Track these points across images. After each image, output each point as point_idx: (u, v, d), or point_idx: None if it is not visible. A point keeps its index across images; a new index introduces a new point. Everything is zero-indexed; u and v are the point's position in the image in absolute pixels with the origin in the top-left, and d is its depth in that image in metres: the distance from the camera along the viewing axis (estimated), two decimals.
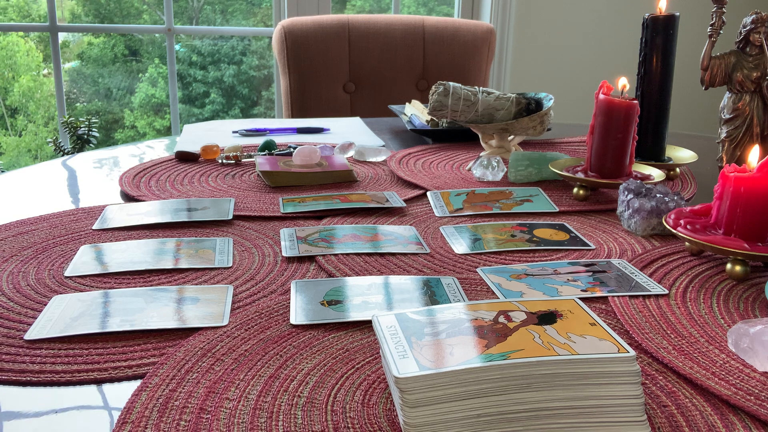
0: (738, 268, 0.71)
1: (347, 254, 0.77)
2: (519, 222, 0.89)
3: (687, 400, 0.51)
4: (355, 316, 0.62)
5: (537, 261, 0.77)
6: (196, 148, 1.21)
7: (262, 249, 0.79)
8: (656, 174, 1.01)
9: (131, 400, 0.50)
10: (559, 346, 0.46)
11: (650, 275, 0.72)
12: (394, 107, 1.57)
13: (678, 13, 1.09)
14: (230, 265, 0.74)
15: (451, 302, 0.64)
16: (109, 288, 0.68)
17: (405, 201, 0.96)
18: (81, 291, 0.67)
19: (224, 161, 1.14)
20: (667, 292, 0.68)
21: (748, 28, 1.03)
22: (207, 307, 0.64)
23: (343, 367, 0.54)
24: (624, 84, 1.00)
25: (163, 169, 1.11)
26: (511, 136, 1.20)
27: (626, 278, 0.71)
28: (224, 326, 0.60)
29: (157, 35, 4.29)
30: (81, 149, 2.46)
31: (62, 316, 0.62)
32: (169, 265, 0.73)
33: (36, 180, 1.08)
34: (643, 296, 0.67)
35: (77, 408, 0.50)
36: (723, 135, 1.07)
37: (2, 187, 1.03)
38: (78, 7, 4.36)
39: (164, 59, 4.21)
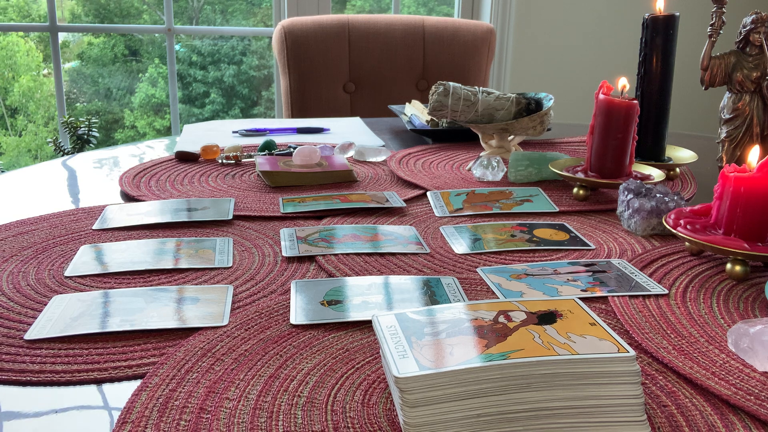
0: (738, 268, 0.71)
1: (347, 254, 0.77)
2: (519, 222, 0.89)
3: (687, 400, 0.51)
4: (355, 316, 0.62)
5: (537, 261, 0.77)
6: (196, 148, 1.21)
7: (262, 249, 0.79)
8: (656, 174, 1.01)
9: (131, 400, 0.50)
10: (559, 346, 0.46)
11: (650, 275, 0.72)
12: (394, 107, 1.57)
13: (678, 13, 1.09)
14: (230, 265, 0.74)
15: (451, 302, 0.64)
16: (109, 288, 0.68)
17: (405, 201, 0.96)
18: (81, 291, 0.67)
19: (224, 161, 1.14)
20: (667, 292, 0.68)
21: (748, 28, 1.03)
22: (207, 307, 0.64)
23: (343, 367, 0.54)
24: (624, 84, 1.00)
25: (163, 169, 1.11)
26: (511, 136, 1.20)
27: (626, 278, 0.71)
28: (224, 326, 0.60)
29: (157, 35, 4.29)
30: (81, 149, 2.46)
31: (62, 316, 0.62)
32: (169, 265, 0.73)
33: (36, 180, 1.08)
34: (643, 296, 0.67)
35: (77, 408, 0.50)
36: (723, 135, 1.07)
37: (2, 187, 1.03)
38: (78, 7, 4.36)
39: (164, 59, 4.21)
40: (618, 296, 0.67)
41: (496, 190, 1.02)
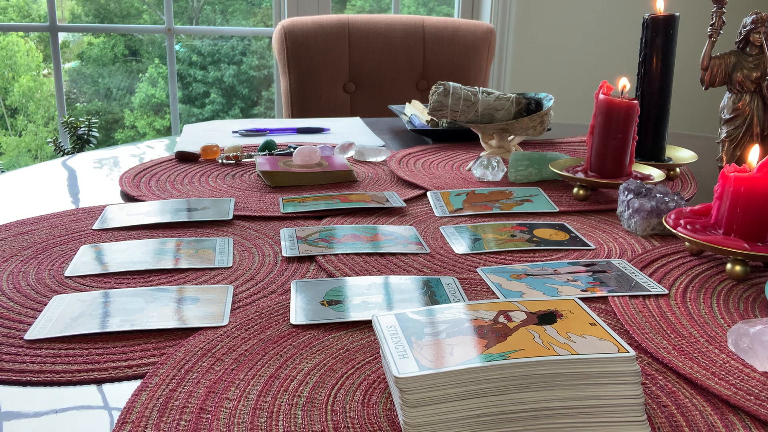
0: (738, 268, 0.71)
1: (347, 254, 0.77)
2: (519, 222, 0.89)
3: (687, 400, 0.51)
4: (355, 316, 0.62)
5: (537, 261, 0.77)
6: (196, 148, 1.21)
7: (262, 249, 0.79)
8: (656, 174, 1.01)
9: (131, 400, 0.50)
10: (559, 346, 0.46)
11: (650, 275, 0.72)
12: (394, 107, 1.57)
13: (678, 13, 1.09)
14: (230, 265, 0.74)
15: (451, 302, 0.64)
16: (109, 288, 0.68)
17: (405, 201, 0.96)
18: (81, 291, 0.67)
19: (224, 161, 1.14)
20: (667, 292, 0.68)
21: (748, 28, 1.03)
22: (207, 307, 0.64)
23: (343, 367, 0.54)
24: (624, 84, 1.00)
25: (163, 169, 1.11)
26: (511, 136, 1.20)
27: (626, 278, 0.71)
28: (224, 326, 0.60)
29: (157, 35, 4.29)
30: (81, 149, 2.46)
31: (62, 316, 0.62)
32: (169, 265, 0.73)
33: (36, 180, 1.08)
34: (643, 296, 0.67)
35: (77, 408, 0.50)
36: (723, 135, 1.07)
37: (2, 187, 1.03)
38: (78, 7, 4.36)
39: (164, 59, 4.21)
40: (618, 296, 0.67)
41: (496, 190, 1.02)
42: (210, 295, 0.66)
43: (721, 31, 1.04)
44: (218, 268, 0.73)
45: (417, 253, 0.78)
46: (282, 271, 0.73)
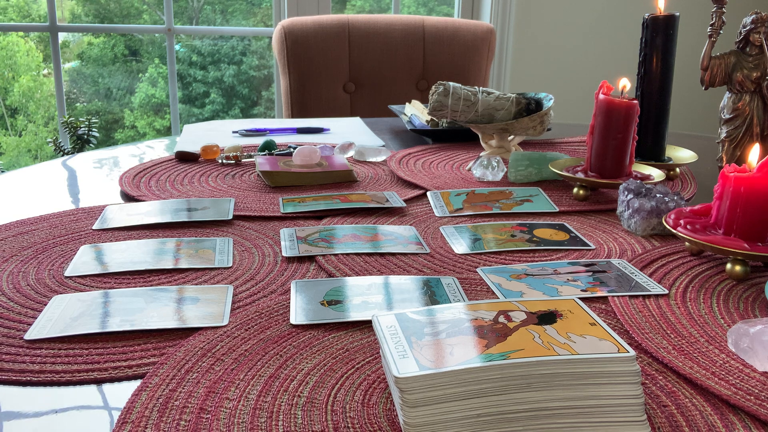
0: (738, 268, 0.71)
1: (347, 254, 0.77)
2: (519, 222, 0.89)
3: (687, 400, 0.51)
4: (355, 316, 0.62)
5: (537, 261, 0.77)
6: (196, 148, 1.21)
7: (262, 249, 0.79)
8: (656, 174, 1.01)
9: (131, 400, 0.50)
10: (559, 346, 0.46)
11: (650, 275, 0.72)
12: (394, 107, 1.57)
13: (678, 13, 1.09)
14: (230, 265, 0.74)
15: (451, 302, 0.64)
16: (109, 288, 0.68)
17: (405, 201, 0.96)
18: (81, 291, 0.67)
19: (224, 161, 1.14)
20: (667, 292, 0.68)
21: (748, 28, 1.03)
22: (207, 307, 0.64)
23: (343, 367, 0.54)
24: (624, 84, 1.00)
25: (163, 169, 1.11)
26: (511, 136, 1.20)
27: (626, 278, 0.71)
28: (224, 326, 0.60)
29: (157, 35, 4.29)
30: (81, 149, 2.46)
31: (62, 316, 0.62)
32: (169, 265, 0.73)
33: (36, 180, 1.08)
34: (643, 296, 0.67)
35: (77, 408, 0.50)
36: (723, 135, 1.07)
37: (2, 187, 1.03)
38: (78, 7, 4.36)
39: (164, 59, 4.21)
40: (618, 296, 0.67)
41: (496, 190, 1.02)
42: (210, 295, 0.67)
43: (721, 31, 1.04)
44: (218, 268, 0.73)
45: (417, 253, 0.78)
46: (282, 271, 0.73)
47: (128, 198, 0.98)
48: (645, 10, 1.19)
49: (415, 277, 0.71)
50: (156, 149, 1.29)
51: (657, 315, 0.63)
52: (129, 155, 1.23)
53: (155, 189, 1.01)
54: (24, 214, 0.89)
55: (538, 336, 0.48)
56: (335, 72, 1.97)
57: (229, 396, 0.50)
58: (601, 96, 0.97)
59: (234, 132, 1.40)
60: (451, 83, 1.18)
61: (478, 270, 0.74)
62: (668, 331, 0.60)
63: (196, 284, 0.70)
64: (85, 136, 2.47)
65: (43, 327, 0.60)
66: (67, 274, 0.71)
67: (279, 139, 1.34)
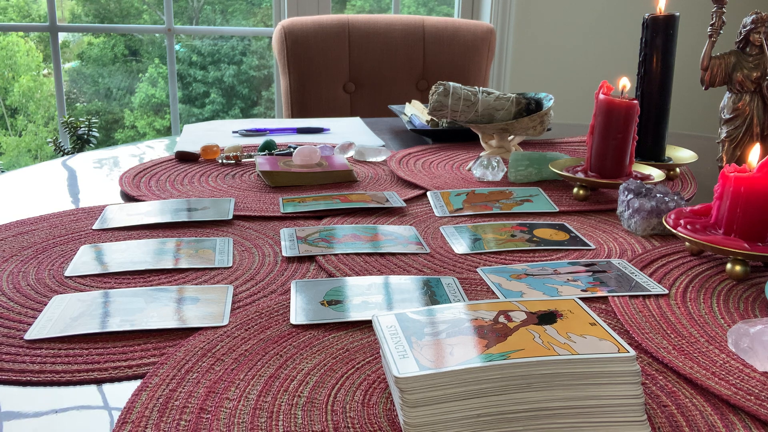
0: (738, 268, 0.71)
1: (347, 254, 0.77)
2: (519, 222, 0.89)
3: (687, 400, 0.51)
4: (355, 316, 0.62)
5: (537, 261, 0.77)
6: (196, 148, 1.21)
7: (262, 249, 0.79)
8: (656, 174, 1.01)
9: (131, 400, 0.50)
10: (559, 346, 0.46)
11: (650, 275, 0.72)
12: (394, 107, 1.57)
13: (678, 13, 1.09)
14: (230, 265, 0.74)
15: (451, 302, 0.64)
16: (109, 288, 0.68)
17: (405, 201, 0.96)
18: (81, 291, 0.67)
19: (224, 161, 1.14)
20: (667, 292, 0.68)
21: (748, 28, 1.03)
22: (207, 307, 0.64)
23: (343, 367, 0.54)
24: (624, 84, 1.00)
25: (163, 169, 1.11)
26: (511, 136, 1.20)
27: (626, 278, 0.71)
28: (224, 326, 0.60)
29: (157, 35, 4.29)
30: (81, 149, 2.46)
31: (62, 316, 0.62)
32: (169, 265, 0.73)
33: (36, 180, 1.08)
34: (643, 296, 0.67)
35: (77, 408, 0.50)
36: (723, 135, 1.07)
37: (2, 187, 1.03)
38: (78, 7, 4.36)
39: (164, 59, 4.21)
40: (618, 296, 0.66)
41: (496, 190, 1.02)
42: (210, 295, 0.66)
43: (721, 31, 1.04)
44: (218, 268, 0.73)
45: (417, 253, 0.78)
46: (282, 271, 0.73)
47: (128, 198, 0.98)
48: (645, 10, 1.19)
49: (415, 277, 0.71)
50: (156, 149, 1.29)
51: (657, 315, 0.63)
52: (129, 155, 1.23)
53: (155, 189, 1.01)
54: (24, 214, 0.89)
55: (538, 336, 0.48)
56: (335, 72, 1.97)
57: (229, 396, 0.50)
58: (601, 96, 0.97)
59: (234, 132, 1.40)
60: (451, 83, 1.18)
61: (478, 270, 0.74)
62: (668, 331, 0.60)
63: (196, 284, 0.70)
64: (85, 136, 2.47)
65: (43, 327, 0.60)
66: (67, 274, 0.71)
67: (279, 139, 1.34)
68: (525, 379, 0.44)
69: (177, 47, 4.27)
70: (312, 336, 0.59)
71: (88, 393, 0.52)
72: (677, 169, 1.12)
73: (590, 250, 0.81)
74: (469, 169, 1.13)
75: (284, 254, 0.77)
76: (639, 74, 1.11)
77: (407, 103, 1.52)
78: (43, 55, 4.37)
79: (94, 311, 0.62)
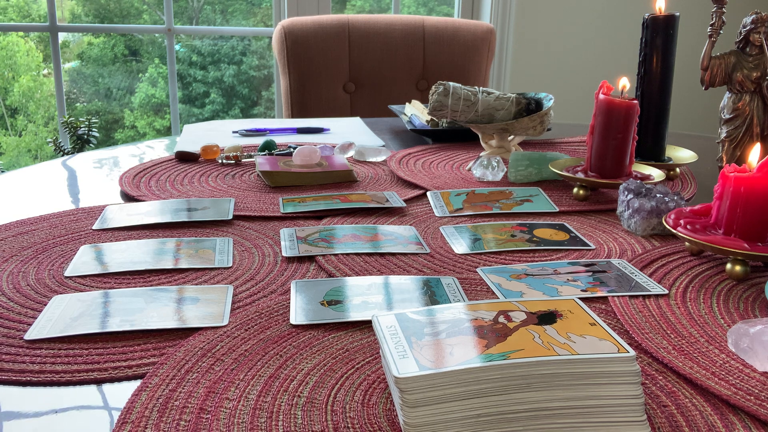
0: (738, 268, 0.71)
1: (347, 254, 0.77)
2: (519, 222, 0.89)
3: (687, 400, 0.51)
4: (355, 316, 0.62)
5: (537, 261, 0.77)
6: (196, 148, 1.21)
7: (262, 249, 0.79)
8: (656, 174, 1.01)
9: (131, 400, 0.50)
10: (559, 346, 0.46)
11: (650, 275, 0.72)
12: (394, 107, 1.57)
13: (678, 13, 1.09)
14: (230, 265, 0.74)
15: (451, 302, 0.64)
16: (109, 288, 0.68)
17: (405, 201, 0.96)
18: (81, 291, 0.67)
19: (224, 161, 1.14)
20: (667, 292, 0.68)
21: (748, 28, 1.03)
22: (207, 307, 0.64)
23: (343, 367, 0.54)
24: (624, 84, 1.00)
25: (163, 169, 1.11)
26: (511, 136, 1.20)
27: (626, 278, 0.71)
28: (224, 326, 0.60)
29: (157, 35, 4.29)
30: (81, 149, 2.46)
31: (62, 316, 0.62)
32: (169, 265, 0.73)
33: (36, 180, 1.08)
34: (643, 296, 0.67)
35: (77, 408, 0.50)
36: (723, 135, 1.07)
37: (2, 187, 1.03)
38: (78, 7, 4.36)
39: (164, 59, 4.22)
40: (618, 296, 0.66)
41: (496, 190, 1.02)
42: (210, 295, 0.66)
43: (721, 31, 1.04)
44: (218, 268, 0.73)
45: (417, 253, 0.78)
46: (282, 271, 0.73)
47: (128, 198, 0.98)
48: (645, 10, 1.19)
49: (415, 277, 0.71)
50: (156, 149, 1.29)
51: (657, 315, 0.63)
52: (129, 155, 1.23)
53: (155, 189, 1.01)
54: (24, 214, 0.89)
55: (538, 336, 0.48)
56: (335, 72, 1.97)
57: (229, 396, 0.50)
58: (601, 96, 0.97)
59: (234, 132, 1.40)
60: (451, 83, 1.18)
61: (478, 270, 0.74)
62: (668, 331, 0.60)
63: (196, 284, 0.70)
64: (85, 136, 2.47)
65: (43, 327, 0.60)
66: (67, 274, 0.71)
67: (279, 139, 1.34)
68: (525, 379, 0.44)
69: (177, 47, 4.27)
70: (312, 336, 0.59)
71: (88, 393, 0.52)
72: (677, 169, 1.12)
73: (590, 250, 0.81)
74: (469, 169, 1.13)
75: (284, 254, 0.77)
76: (639, 74, 1.11)
77: (407, 103, 1.52)
78: (43, 55, 4.37)
79: (94, 311, 0.62)
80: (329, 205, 0.92)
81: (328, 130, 1.44)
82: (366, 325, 0.61)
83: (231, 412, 0.49)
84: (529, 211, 0.94)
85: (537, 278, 0.71)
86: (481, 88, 1.20)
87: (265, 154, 1.17)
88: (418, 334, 0.48)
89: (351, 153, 1.21)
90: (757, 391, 0.51)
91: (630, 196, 0.87)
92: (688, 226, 0.76)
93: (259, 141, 1.31)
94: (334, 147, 1.22)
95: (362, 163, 1.18)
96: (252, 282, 0.70)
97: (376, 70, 1.99)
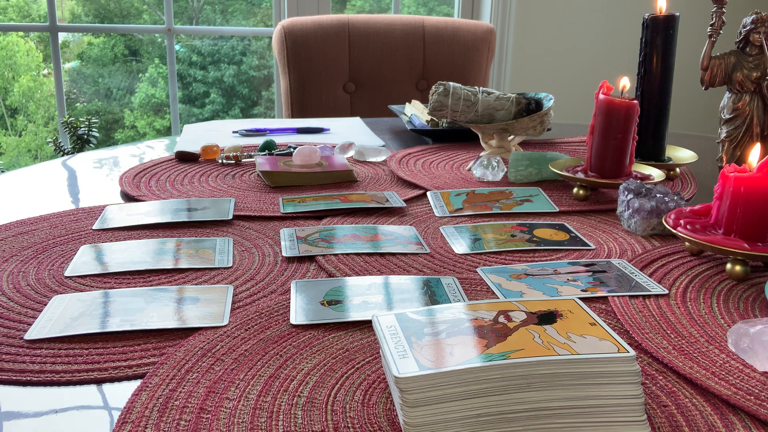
0: (738, 268, 0.71)
1: (347, 254, 0.77)
2: (519, 222, 0.89)
3: (687, 400, 0.51)
4: (355, 316, 0.62)
5: (537, 261, 0.77)
6: (196, 148, 1.21)
7: (262, 249, 0.79)
8: (656, 174, 1.01)
9: (131, 400, 0.50)
10: (559, 346, 0.46)
11: (650, 275, 0.72)
12: (394, 107, 1.57)
13: (678, 13, 1.09)
14: (230, 265, 0.74)
15: (451, 302, 0.64)
16: (109, 288, 0.68)
17: (405, 201, 0.96)
18: (81, 291, 0.67)
19: (224, 161, 1.14)
20: (667, 292, 0.68)
21: (748, 28, 1.03)
22: (207, 307, 0.64)
23: (343, 367, 0.54)
24: (624, 84, 1.00)
25: (163, 169, 1.11)
26: (511, 136, 1.20)
27: (626, 278, 0.71)
28: (224, 326, 0.60)
29: (157, 35, 4.29)
30: (81, 149, 2.46)
31: (62, 316, 0.62)
32: (169, 265, 0.73)
33: (36, 180, 1.08)
34: (643, 296, 0.67)
35: (77, 408, 0.50)
36: (723, 135, 1.07)
37: (2, 187, 1.03)
38: (78, 7, 4.36)
39: (164, 59, 4.22)
40: (618, 296, 0.66)
41: (496, 190, 1.02)
42: (210, 295, 0.67)
43: (721, 31, 1.04)
44: (218, 268, 0.73)
45: (417, 253, 0.78)
46: (282, 271, 0.73)
47: (128, 198, 0.98)
48: (645, 10, 1.19)
49: (415, 277, 0.71)
50: (156, 149, 1.29)
51: (657, 315, 0.63)
52: (129, 155, 1.23)
53: (155, 189, 1.01)
54: (24, 214, 0.89)
55: (538, 336, 0.48)
56: (335, 72, 1.97)
57: (229, 396, 0.50)
58: (601, 96, 0.97)
59: (234, 132, 1.40)
60: (451, 83, 1.18)
61: (478, 270, 0.74)
62: (668, 331, 0.60)
63: (196, 284, 0.70)
64: (85, 136, 2.47)
65: (43, 327, 0.60)
66: (67, 274, 0.71)
67: (279, 139, 1.34)
68: (525, 379, 0.44)
69: (177, 47, 4.27)
70: (312, 336, 0.59)
71: (88, 393, 0.52)
72: (677, 169, 1.12)
73: (590, 250, 0.81)
74: (469, 169, 1.13)
75: (284, 254, 0.77)
76: (639, 74, 1.11)
77: (407, 103, 1.52)
78: (43, 55, 4.37)
79: (94, 311, 0.62)
80: (329, 205, 0.92)
81: (328, 130, 1.44)
82: (366, 325, 0.61)
83: (231, 412, 0.49)
84: (529, 211, 0.94)
85: (537, 278, 0.71)
86: (481, 88, 1.20)
87: (265, 154, 1.17)
88: (418, 334, 0.48)
89: (351, 153, 1.21)
90: (757, 391, 0.51)
91: (630, 196, 0.87)
92: (688, 226, 0.76)
93: (259, 141, 1.31)
94: (334, 147, 1.22)
95: (362, 163, 1.18)
96: (252, 282, 0.70)
97: (376, 70, 1.99)
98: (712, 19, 1.03)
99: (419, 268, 0.75)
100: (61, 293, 0.67)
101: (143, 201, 0.95)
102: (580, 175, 0.99)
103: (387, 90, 2.00)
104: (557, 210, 0.94)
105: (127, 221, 0.87)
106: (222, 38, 4.38)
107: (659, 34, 1.08)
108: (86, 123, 2.49)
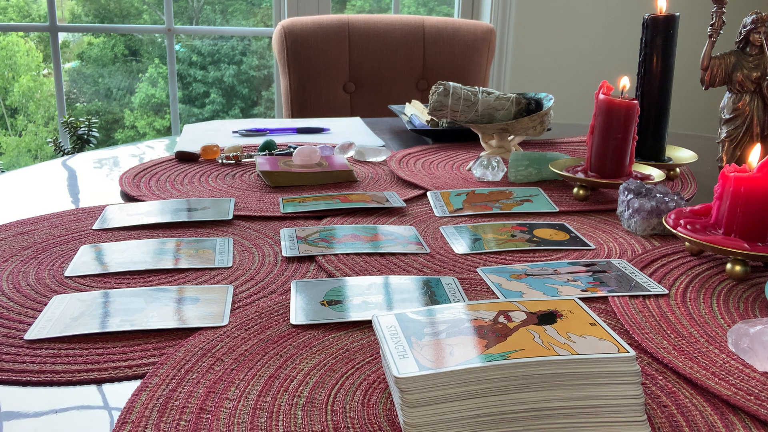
0: (738, 268, 0.71)
1: (347, 254, 0.77)
2: (519, 222, 0.89)
3: (687, 400, 0.51)
4: (355, 316, 0.62)
5: (537, 261, 0.77)
6: (196, 148, 1.21)
7: (262, 249, 0.79)
8: (656, 174, 1.01)
9: (131, 400, 0.50)
10: (559, 346, 0.46)
11: (650, 275, 0.72)
12: (394, 107, 1.57)
13: (678, 13, 1.09)
14: (230, 265, 0.74)
15: (451, 302, 0.64)
16: (109, 288, 0.68)
17: (405, 201, 0.96)
18: (81, 291, 0.67)
19: (224, 161, 1.14)
20: (667, 292, 0.68)
21: (748, 28, 1.03)
22: (207, 307, 0.64)
23: (343, 367, 0.54)
24: (624, 84, 1.00)
25: (163, 169, 1.11)
26: (511, 136, 1.20)
27: (626, 278, 0.71)
28: (224, 326, 0.60)
29: (157, 35, 4.29)
30: (81, 149, 2.46)
31: (62, 316, 0.62)
32: (169, 265, 0.73)
33: (36, 180, 1.08)
34: (643, 296, 0.67)
35: (77, 408, 0.50)
36: (723, 135, 1.07)
37: (2, 187, 1.03)
38: (78, 7, 4.36)
39: (164, 59, 4.22)
40: (618, 296, 0.66)
41: (496, 190, 1.02)
42: (210, 295, 0.66)
43: (721, 31, 1.04)
44: (218, 268, 0.73)
45: (417, 253, 0.78)
46: (282, 271, 0.73)
47: (128, 198, 0.98)
48: (645, 10, 1.19)
49: (415, 277, 0.71)
50: (156, 149, 1.29)
51: (657, 315, 0.63)
52: (129, 155, 1.23)
53: (155, 189, 1.01)
54: (24, 214, 0.89)
55: (538, 336, 0.48)
56: (335, 72, 1.97)
57: (229, 396, 0.50)
58: (601, 96, 0.97)
59: (234, 132, 1.40)
60: (451, 83, 1.18)
61: (478, 270, 0.74)
62: (668, 331, 0.60)
63: (196, 284, 0.70)
64: (85, 136, 2.47)
65: (43, 327, 0.60)
66: (67, 274, 0.71)
67: (279, 139, 1.34)
68: (525, 379, 0.44)
69: (177, 47, 4.27)
70: (312, 336, 0.59)
71: (88, 393, 0.52)
72: (677, 169, 1.12)
73: (590, 250, 0.81)
74: (469, 169, 1.13)
75: (284, 254, 0.77)
76: (639, 74, 1.11)
77: (407, 103, 1.52)
78: (43, 55, 4.37)
79: (94, 311, 0.62)
80: (329, 205, 0.92)
81: (328, 130, 1.44)
82: (366, 325, 0.61)
83: (231, 412, 0.49)
84: (529, 211, 0.94)
85: (537, 278, 0.71)
86: (481, 88, 1.20)
87: (265, 154, 1.17)
88: (418, 334, 0.48)
89: (351, 153, 1.21)
90: (757, 391, 0.51)
91: (630, 196, 0.87)
92: (688, 226, 0.76)
93: (259, 141, 1.31)
94: (334, 147, 1.22)
95: (362, 163, 1.18)
96: (252, 282, 0.70)
97: (376, 70, 1.99)
98: (712, 19, 1.03)
99: (419, 268, 0.75)
100: (61, 293, 0.67)
101: (143, 201, 0.95)
102: (580, 175, 0.99)
103: (387, 90, 2.00)
104: (557, 210, 0.94)
105: (127, 221, 0.87)
106: (222, 38, 4.38)
107: (659, 34, 1.08)
108: (86, 123, 2.49)
